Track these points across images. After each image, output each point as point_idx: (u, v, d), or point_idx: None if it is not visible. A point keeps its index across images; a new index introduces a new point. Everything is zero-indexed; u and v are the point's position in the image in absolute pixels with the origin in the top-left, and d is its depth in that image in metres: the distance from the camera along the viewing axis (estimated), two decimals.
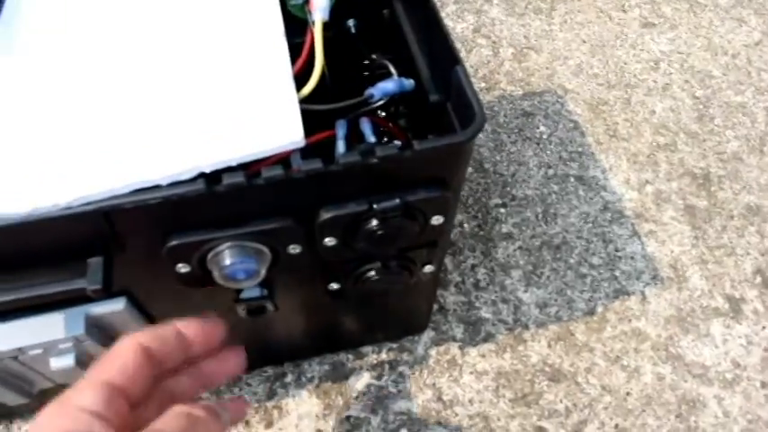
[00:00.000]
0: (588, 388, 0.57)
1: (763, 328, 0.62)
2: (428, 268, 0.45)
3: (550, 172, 0.72)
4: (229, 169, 0.34)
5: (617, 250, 0.66)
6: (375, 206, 0.36)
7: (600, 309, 0.62)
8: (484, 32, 0.87)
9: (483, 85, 0.81)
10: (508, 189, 0.70)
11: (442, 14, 0.88)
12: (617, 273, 0.64)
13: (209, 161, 0.33)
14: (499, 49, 0.85)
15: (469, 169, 0.72)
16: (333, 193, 0.36)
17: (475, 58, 0.84)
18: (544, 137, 0.75)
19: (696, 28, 0.90)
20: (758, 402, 0.57)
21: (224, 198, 0.34)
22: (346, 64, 0.52)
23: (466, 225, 0.67)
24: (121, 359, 0.32)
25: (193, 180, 0.33)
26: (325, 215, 0.36)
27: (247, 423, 0.55)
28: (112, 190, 0.33)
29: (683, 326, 0.61)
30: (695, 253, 0.67)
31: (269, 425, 0.55)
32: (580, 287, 0.63)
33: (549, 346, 0.59)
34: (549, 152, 0.74)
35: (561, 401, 0.56)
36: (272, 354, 0.57)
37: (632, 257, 0.66)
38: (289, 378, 0.57)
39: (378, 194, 0.36)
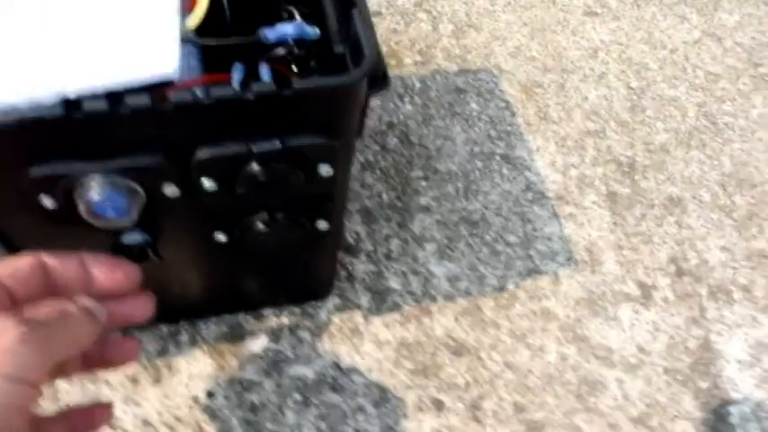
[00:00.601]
0: (491, 364, 0.57)
1: (672, 315, 0.62)
2: (322, 225, 0.43)
3: (476, 149, 0.71)
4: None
5: (535, 230, 0.66)
6: (254, 148, 0.34)
7: (511, 286, 0.61)
8: (425, 7, 0.86)
9: (419, 58, 0.79)
10: (432, 163, 0.69)
11: None
12: (532, 252, 0.64)
13: (74, 86, 0.32)
14: (439, 25, 0.84)
15: (394, 140, 0.70)
16: (210, 132, 0.34)
17: (413, 32, 0.82)
18: (474, 114, 0.74)
19: (638, 21, 0.90)
20: (658, 387, 0.58)
21: (88, 126, 0.32)
22: (265, 12, 0.50)
23: (384, 195, 0.66)
24: (15, 264, 0.33)
25: (55, 105, 0.31)
26: (201, 155, 0.34)
27: (135, 380, 0.53)
28: None
29: (593, 308, 0.61)
30: (612, 238, 0.66)
31: (157, 382, 0.53)
32: (494, 264, 0.63)
33: (456, 320, 0.59)
34: (477, 129, 0.73)
35: (462, 375, 0.56)
36: (166, 311, 0.54)
37: (549, 238, 0.65)
38: (183, 337, 0.55)
39: (259, 137, 0.35)
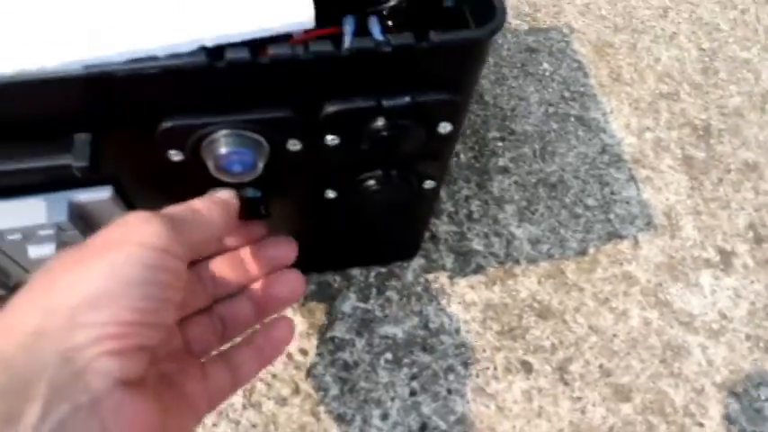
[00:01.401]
0: (575, 327, 0.56)
1: (752, 282, 0.61)
2: (429, 184, 0.43)
3: (551, 110, 0.70)
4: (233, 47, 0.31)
5: (613, 193, 0.65)
6: (384, 103, 0.34)
7: (592, 250, 0.61)
8: None
9: None
10: (507, 123, 0.68)
11: None
12: (611, 216, 0.63)
13: (212, 34, 0.31)
14: None
15: None
16: (339, 86, 0.33)
17: None
18: (547, 74, 0.73)
19: None
20: (741, 354, 0.57)
21: (224, 77, 0.31)
22: None
23: (462, 156, 0.65)
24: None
25: (194, 54, 0.31)
26: (330, 108, 0.34)
27: None
28: (106, 57, 0.30)
29: (673, 273, 0.61)
30: (690, 203, 0.65)
31: None
32: (573, 227, 0.62)
33: (539, 282, 0.58)
34: (550, 90, 0.72)
35: (548, 338, 0.56)
36: None
37: (627, 202, 0.64)
38: None
39: (388, 92, 0.34)
